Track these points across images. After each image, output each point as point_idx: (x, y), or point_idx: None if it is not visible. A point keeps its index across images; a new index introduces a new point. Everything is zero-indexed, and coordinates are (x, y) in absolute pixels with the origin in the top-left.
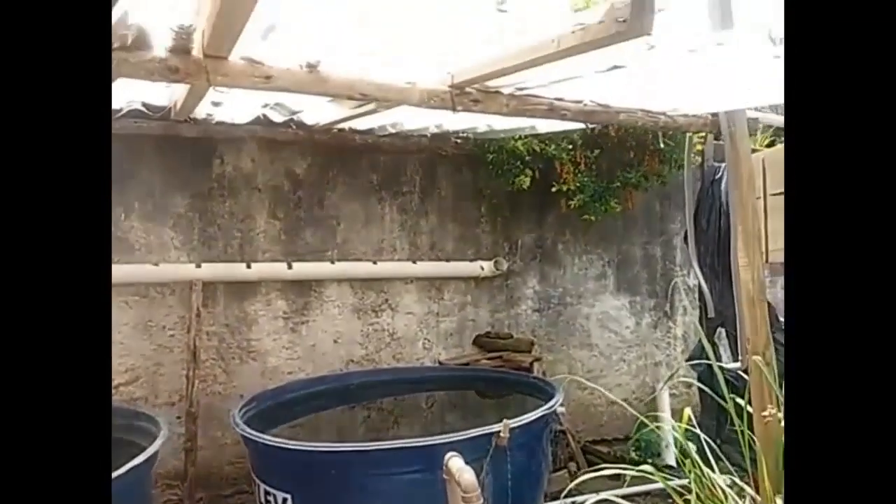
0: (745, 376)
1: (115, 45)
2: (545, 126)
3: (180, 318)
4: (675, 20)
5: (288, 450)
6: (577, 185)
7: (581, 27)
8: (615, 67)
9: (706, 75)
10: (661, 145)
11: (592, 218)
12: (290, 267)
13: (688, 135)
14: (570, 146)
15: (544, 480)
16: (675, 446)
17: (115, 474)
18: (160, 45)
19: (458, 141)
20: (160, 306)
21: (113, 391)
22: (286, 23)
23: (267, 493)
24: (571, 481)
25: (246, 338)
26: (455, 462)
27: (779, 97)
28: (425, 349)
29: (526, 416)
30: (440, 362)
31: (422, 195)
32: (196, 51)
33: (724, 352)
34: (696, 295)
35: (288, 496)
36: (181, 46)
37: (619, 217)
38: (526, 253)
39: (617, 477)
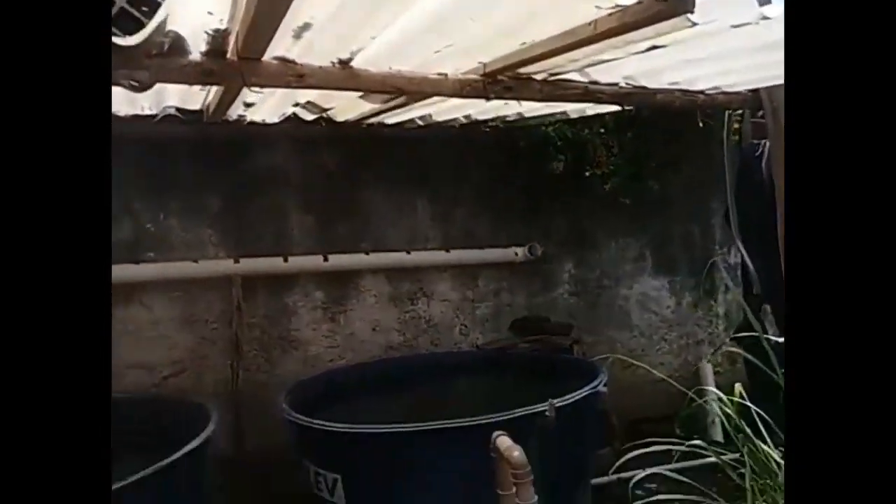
0: None
1: (152, 52)
2: (576, 111)
3: (222, 312)
4: None
5: (337, 432)
6: (612, 167)
7: (619, 8)
8: (654, 48)
9: (747, 51)
10: (700, 124)
11: (628, 200)
12: (325, 259)
13: (727, 111)
14: (603, 129)
15: (590, 460)
16: (726, 421)
17: (173, 458)
18: (196, 50)
19: (488, 130)
20: (202, 301)
21: (161, 383)
22: (320, 20)
23: (317, 474)
24: (617, 459)
25: (286, 328)
26: (503, 440)
27: None
28: (462, 335)
29: (571, 394)
30: (478, 347)
31: (453, 184)
32: (230, 53)
33: (770, 327)
34: (738, 273)
35: (338, 477)
36: (216, 49)
37: (655, 198)
38: (561, 237)
39: (663, 454)
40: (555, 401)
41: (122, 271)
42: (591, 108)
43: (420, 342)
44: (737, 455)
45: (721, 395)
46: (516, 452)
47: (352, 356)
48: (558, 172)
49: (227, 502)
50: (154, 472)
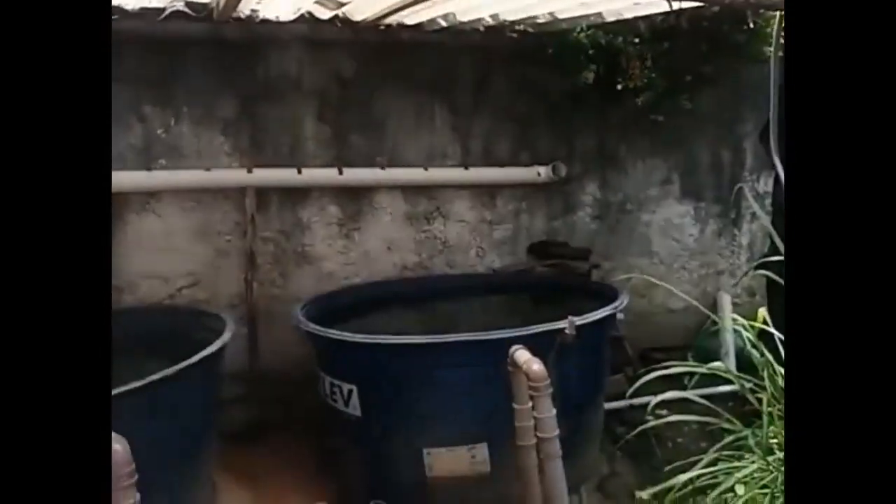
0: None
1: None
2: (612, 13)
3: (236, 224)
4: None
5: (355, 343)
6: (646, 80)
7: None
8: None
9: None
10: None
11: (660, 118)
12: (340, 172)
13: (776, 16)
14: (637, 39)
15: (604, 382)
16: (748, 345)
17: (186, 363)
18: None
19: (515, 35)
20: (215, 212)
21: (176, 294)
22: None
23: (332, 384)
24: (629, 385)
25: (301, 243)
26: (522, 354)
27: None
28: (478, 257)
29: (591, 314)
30: (494, 270)
31: (475, 95)
32: None
33: None
34: (766, 202)
35: (353, 387)
36: None
37: (687, 117)
38: (586, 157)
39: (677, 383)
40: (575, 318)
41: (133, 179)
42: (628, 10)
43: (435, 263)
44: (751, 384)
45: (742, 320)
46: (536, 365)
47: (366, 274)
48: (588, 84)
49: (242, 414)
50: (172, 374)
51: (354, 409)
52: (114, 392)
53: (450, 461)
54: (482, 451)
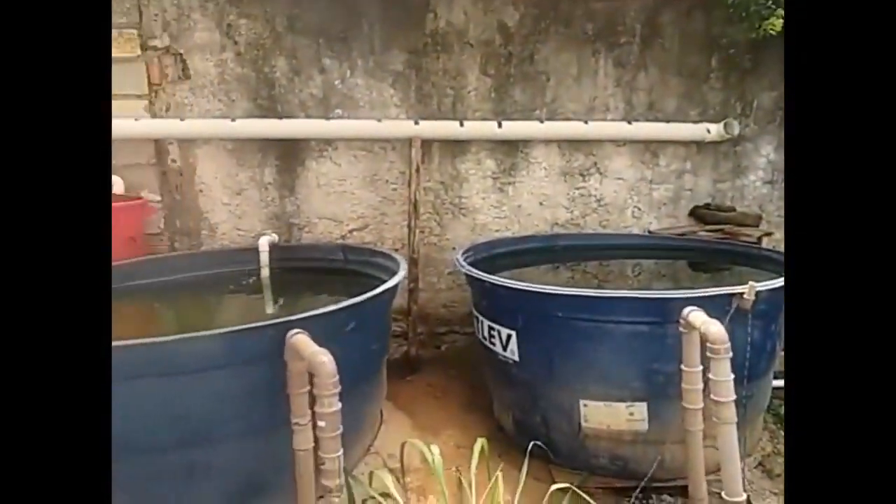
0: None
1: None
2: None
3: (401, 174)
4: None
5: (518, 290)
6: None
7: None
8: None
9: None
10: None
11: None
12: (500, 126)
13: None
14: None
15: (776, 355)
16: None
17: (367, 296)
18: None
19: None
20: (383, 161)
21: (346, 235)
22: None
23: (491, 328)
24: None
25: (458, 195)
26: (697, 315)
27: None
28: (634, 217)
29: (772, 282)
30: (650, 232)
31: (642, 46)
32: None
33: None
34: None
35: (512, 333)
36: None
37: None
38: (763, 114)
39: None
40: (756, 284)
41: (314, 127)
42: None
43: (588, 221)
44: None
45: None
46: (714, 327)
47: (517, 228)
48: (772, 34)
49: (401, 348)
50: (366, 299)
51: (512, 353)
52: (318, 311)
53: (606, 415)
54: (641, 409)
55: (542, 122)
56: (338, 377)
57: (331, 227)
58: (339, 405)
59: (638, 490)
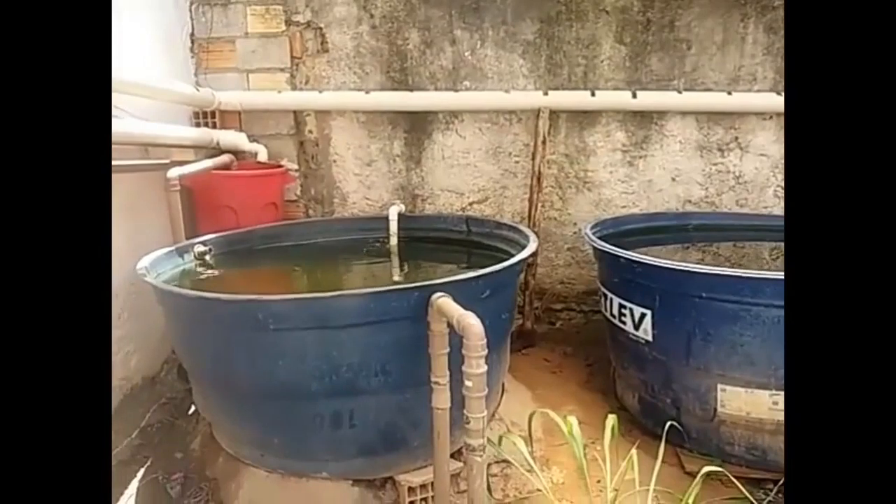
0: None
1: None
2: None
3: (525, 146)
4: None
5: (658, 268)
6: None
7: None
8: None
9: None
10: None
11: None
12: (634, 96)
13: None
14: None
15: None
16: None
17: (503, 265)
18: None
19: None
20: (507, 133)
21: (467, 207)
22: None
23: (622, 306)
24: None
25: (583, 168)
26: None
27: None
28: (777, 197)
29: None
30: None
31: None
32: None
33: None
34: None
35: (648, 312)
36: None
37: None
38: None
39: None
40: None
41: (443, 99)
42: None
43: (724, 200)
44: None
45: None
46: None
47: (645, 205)
48: None
49: (519, 321)
50: (498, 270)
51: (645, 332)
52: (460, 277)
53: (746, 402)
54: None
55: (680, 92)
56: (485, 339)
57: (452, 199)
58: (486, 367)
59: (781, 483)
